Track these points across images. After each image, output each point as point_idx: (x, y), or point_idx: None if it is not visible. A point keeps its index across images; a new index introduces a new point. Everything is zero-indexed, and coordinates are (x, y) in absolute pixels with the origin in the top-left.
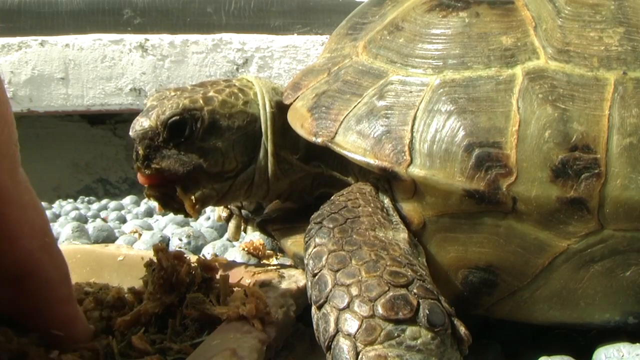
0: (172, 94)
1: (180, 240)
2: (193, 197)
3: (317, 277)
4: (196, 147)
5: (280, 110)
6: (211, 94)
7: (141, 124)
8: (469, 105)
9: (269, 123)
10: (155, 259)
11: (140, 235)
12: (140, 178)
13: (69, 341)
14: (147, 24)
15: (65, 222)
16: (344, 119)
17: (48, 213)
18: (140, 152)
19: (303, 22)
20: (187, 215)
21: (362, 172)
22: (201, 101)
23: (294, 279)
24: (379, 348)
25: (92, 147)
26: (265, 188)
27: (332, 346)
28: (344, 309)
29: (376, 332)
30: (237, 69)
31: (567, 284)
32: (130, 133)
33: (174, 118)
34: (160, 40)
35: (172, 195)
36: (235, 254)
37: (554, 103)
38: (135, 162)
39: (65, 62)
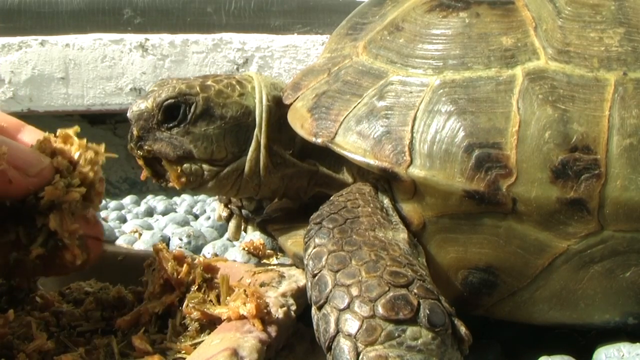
0: (173, 81)
1: (181, 240)
2: (179, 168)
3: (317, 277)
4: (188, 132)
5: (278, 105)
6: (209, 82)
7: (138, 105)
8: (469, 106)
9: (264, 116)
10: (155, 259)
11: (140, 235)
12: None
13: None
14: (147, 23)
15: None
16: (344, 119)
17: None
18: (135, 133)
19: (303, 22)
20: (167, 185)
21: (360, 172)
22: (197, 87)
23: (294, 279)
24: (380, 348)
25: None
26: (256, 182)
27: (333, 347)
28: (344, 309)
29: (377, 333)
30: (238, 69)
31: (567, 284)
32: (128, 114)
33: (169, 100)
34: (161, 40)
35: (160, 161)
36: (235, 253)
37: (554, 104)
38: (129, 142)
39: (66, 62)
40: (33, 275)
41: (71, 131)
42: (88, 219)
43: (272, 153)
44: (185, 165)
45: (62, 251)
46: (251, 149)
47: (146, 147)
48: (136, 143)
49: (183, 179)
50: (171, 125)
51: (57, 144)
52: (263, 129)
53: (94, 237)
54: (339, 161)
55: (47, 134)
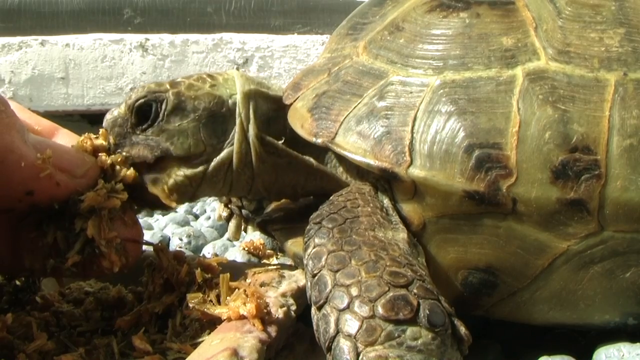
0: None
1: (181, 240)
2: (165, 187)
3: (316, 277)
4: (162, 129)
5: (266, 101)
6: (179, 80)
7: (111, 112)
8: (469, 106)
9: (251, 105)
10: (155, 259)
11: None
12: None
13: None
14: (148, 23)
15: None
16: (344, 119)
17: None
18: (111, 140)
19: (303, 22)
20: (164, 208)
21: (360, 172)
22: (167, 85)
23: (294, 279)
24: (380, 349)
25: None
26: (249, 174)
27: (333, 347)
28: (344, 309)
29: (377, 333)
30: (238, 69)
31: (566, 285)
32: (103, 123)
33: (139, 101)
34: (161, 40)
35: (146, 190)
36: (235, 253)
37: (554, 104)
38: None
39: (66, 62)
40: (72, 276)
41: None
42: (126, 221)
43: (264, 143)
44: (169, 182)
45: (100, 258)
46: (236, 139)
47: (124, 154)
48: (114, 151)
49: (174, 196)
50: (145, 126)
51: (99, 141)
52: (251, 119)
53: (132, 239)
54: (335, 161)
55: (86, 134)
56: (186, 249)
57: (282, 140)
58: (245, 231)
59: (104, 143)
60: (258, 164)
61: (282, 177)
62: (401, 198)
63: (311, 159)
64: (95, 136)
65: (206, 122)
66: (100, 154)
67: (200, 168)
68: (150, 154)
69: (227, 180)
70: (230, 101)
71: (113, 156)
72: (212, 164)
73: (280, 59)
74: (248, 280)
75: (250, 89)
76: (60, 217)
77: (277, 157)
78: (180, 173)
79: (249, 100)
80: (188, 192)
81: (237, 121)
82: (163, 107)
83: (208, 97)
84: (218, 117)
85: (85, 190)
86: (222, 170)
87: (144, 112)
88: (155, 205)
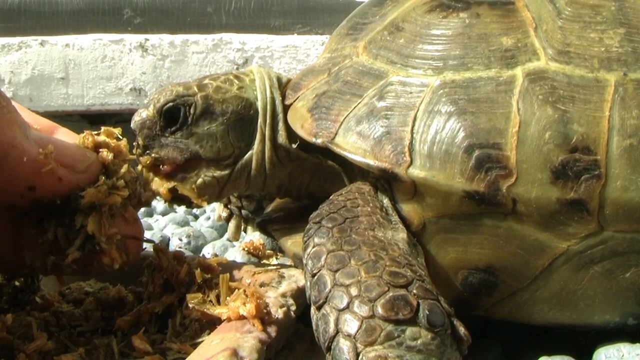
0: (171, 86)
1: (180, 240)
2: (194, 186)
3: (316, 277)
4: (192, 133)
5: (284, 97)
6: (206, 81)
7: (140, 114)
8: (469, 107)
9: (268, 107)
10: (155, 259)
11: None
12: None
13: None
14: (147, 23)
15: None
16: (344, 119)
17: None
18: (140, 142)
19: (303, 22)
20: (195, 205)
21: (361, 171)
22: (195, 88)
23: (294, 279)
24: (379, 349)
25: None
26: (263, 176)
27: (332, 347)
28: (343, 309)
29: (376, 333)
30: (237, 69)
31: (566, 285)
32: (131, 125)
33: (168, 105)
34: (160, 40)
35: (176, 190)
36: (235, 254)
37: (554, 104)
38: (135, 153)
39: (66, 62)
40: (72, 274)
41: (116, 130)
42: (126, 218)
43: (277, 146)
44: (198, 182)
45: (100, 255)
46: (256, 141)
47: (153, 155)
48: (143, 152)
49: (204, 197)
50: (174, 129)
51: (100, 137)
52: (267, 121)
53: (133, 236)
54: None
55: (86, 132)
56: (186, 249)
57: (298, 143)
58: (245, 231)
59: (106, 139)
60: (270, 167)
61: (292, 180)
62: (401, 198)
63: (319, 156)
64: (96, 133)
65: (234, 125)
66: (101, 150)
67: (227, 170)
68: (179, 155)
69: (247, 181)
70: (258, 104)
71: (143, 158)
72: (237, 166)
73: (280, 59)
74: (248, 280)
75: (270, 91)
76: (61, 214)
77: (288, 160)
78: (209, 174)
79: (267, 104)
80: (215, 191)
81: (258, 124)
82: (192, 111)
83: (236, 100)
84: (246, 120)
85: (87, 185)
86: (246, 171)
87: (173, 115)
88: (185, 202)
